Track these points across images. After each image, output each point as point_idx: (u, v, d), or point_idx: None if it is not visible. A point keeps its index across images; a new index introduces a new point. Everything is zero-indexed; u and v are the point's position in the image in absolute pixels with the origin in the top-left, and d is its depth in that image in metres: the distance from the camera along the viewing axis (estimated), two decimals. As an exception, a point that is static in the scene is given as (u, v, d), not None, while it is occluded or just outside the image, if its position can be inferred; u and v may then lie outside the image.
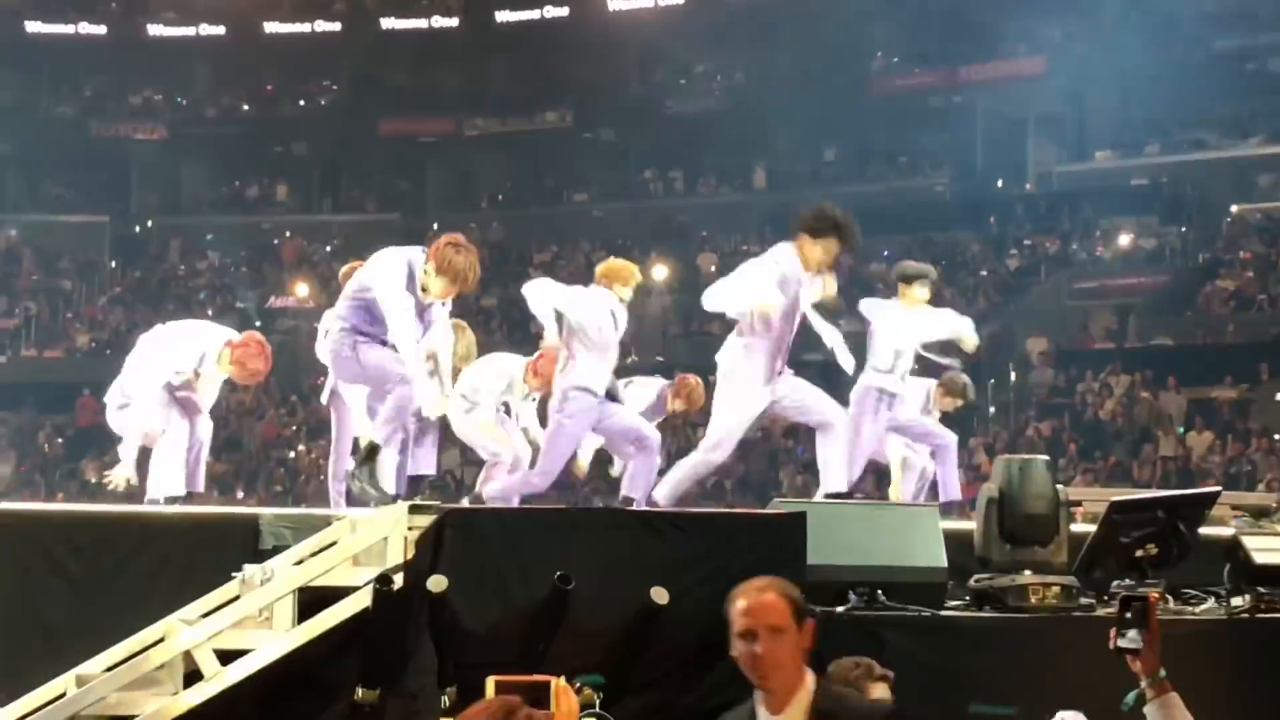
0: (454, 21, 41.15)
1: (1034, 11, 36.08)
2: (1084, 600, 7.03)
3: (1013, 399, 31.47)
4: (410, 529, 6.38)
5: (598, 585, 6.26)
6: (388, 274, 8.27)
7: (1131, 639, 4.32)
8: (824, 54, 37.69)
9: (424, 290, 8.24)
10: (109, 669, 6.48)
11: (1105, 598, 7.01)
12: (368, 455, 8.28)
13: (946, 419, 12.18)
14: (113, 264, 40.04)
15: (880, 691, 5.50)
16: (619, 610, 6.28)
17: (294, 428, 31.19)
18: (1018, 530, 7.24)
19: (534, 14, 40.86)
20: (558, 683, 4.09)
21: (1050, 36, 37.09)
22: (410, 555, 6.35)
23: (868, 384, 10.69)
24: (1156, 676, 4.32)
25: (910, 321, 11.05)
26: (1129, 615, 4.34)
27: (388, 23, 41.70)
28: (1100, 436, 27.61)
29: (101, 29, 41.13)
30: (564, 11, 40.36)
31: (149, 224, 41.35)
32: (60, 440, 33.60)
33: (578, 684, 5.42)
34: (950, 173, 38.20)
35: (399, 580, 6.30)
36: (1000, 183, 38.22)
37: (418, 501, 6.67)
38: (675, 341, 32.37)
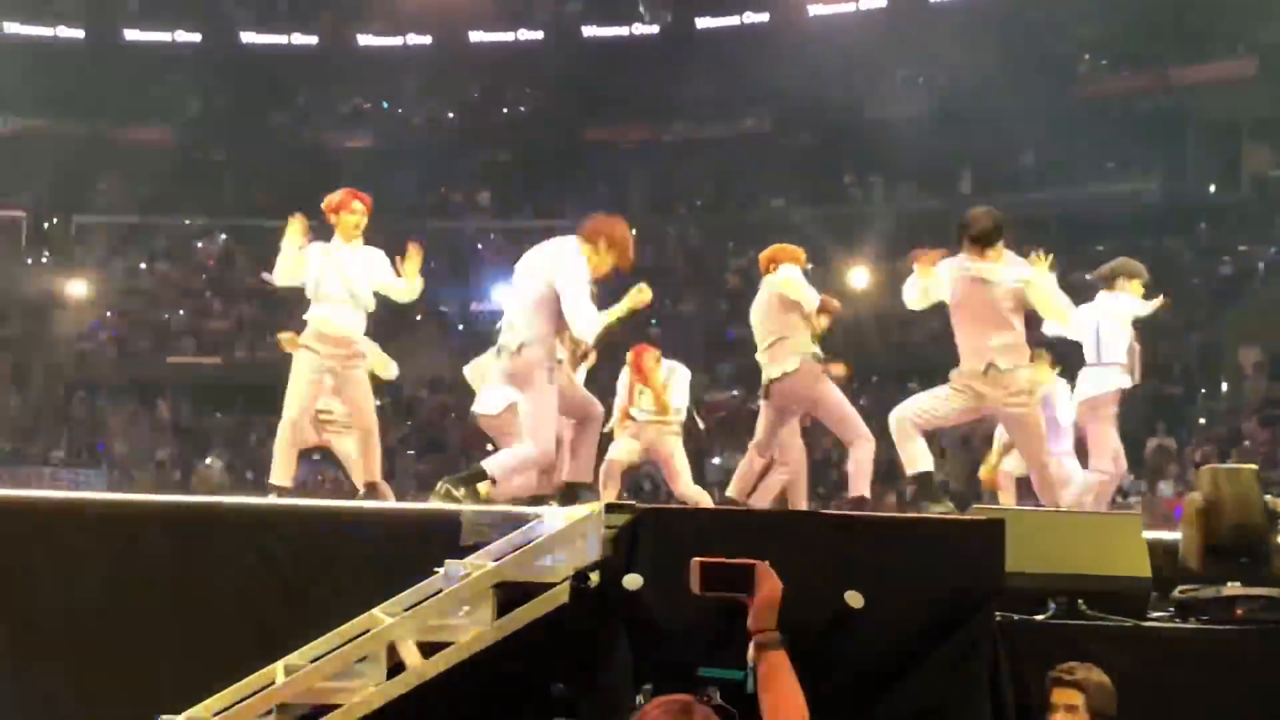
0: (655, 29, 41.45)
1: (1246, 12, 35.09)
2: (1292, 613, 6.82)
3: (1224, 409, 30.67)
4: (607, 528, 6.44)
5: (791, 587, 6.21)
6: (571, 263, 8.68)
7: None
8: (1030, 57, 37.07)
9: (594, 274, 8.71)
10: (315, 659, 6.66)
11: (1315, 611, 6.80)
12: (472, 477, 8.68)
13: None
14: (322, 268, 41.06)
15: None
16: (813, 613, 6.24)
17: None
18: (1225, 540, 7.06)
19: (734, 20, 40.97)
20: (762, 566, 4.18)
21: (1264, 38, 36.02)
22: (606, 553, 6.41)
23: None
24: None
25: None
26: None
27: (589, 30, 42.16)
28: (1316, 449, 26.78)
29: (313, 39, 42.32)
30: (764, 17, 40.40)
31: (358, 229, 42.31)
32: (270, 439, 34.57)
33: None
34: (1160, 177, 37.27)
35: (595, 578, 6.37)
36: (1212, 188, 37.20)
37: (615, 500, 6.73)
38: (874, 349, 32.10)
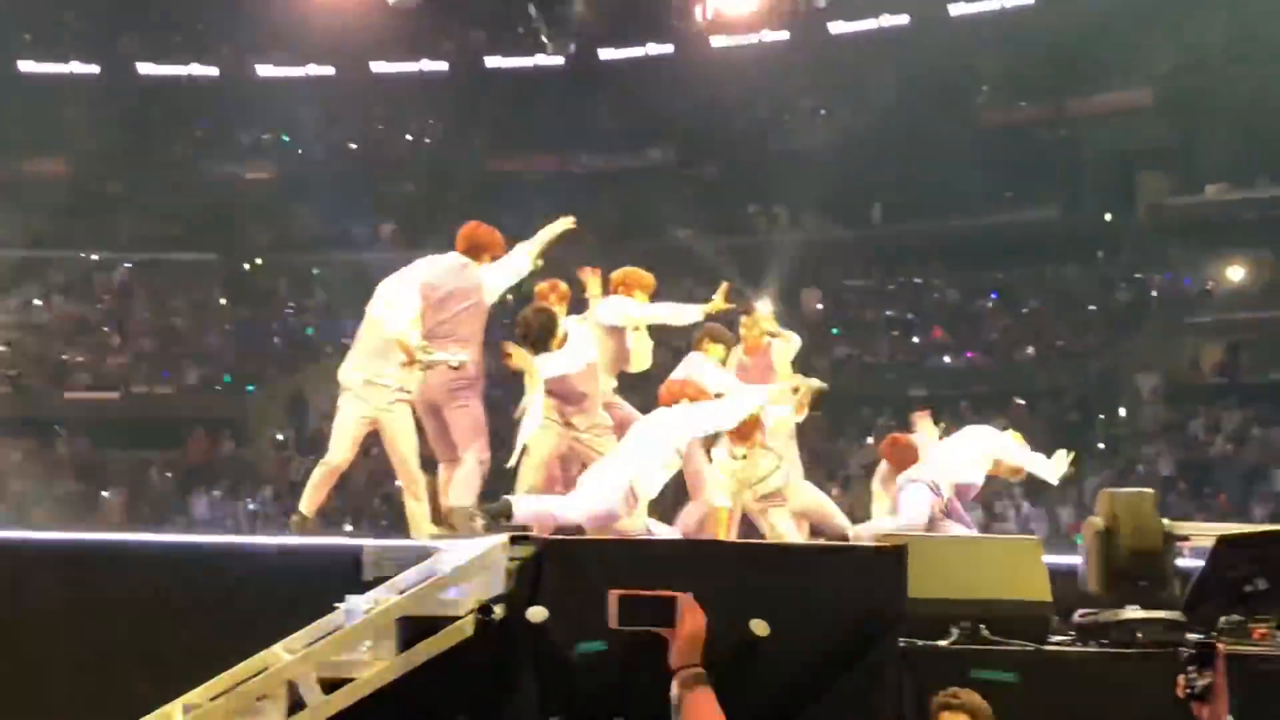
0: (559, 60, 41.43)
1: (1141, 44, 35.71)
2: (1191, 636, 6.88)
3: (1123, 435, 31.06)
4: (511, 560, 6.39)
5: (697, 617, 6.22)
6: None
7: (1198, 687, 4.26)
8: (930, 88, 37.46)
9: None
10: (214, 697, 6.55)
11: (1212, 634, 6.87)
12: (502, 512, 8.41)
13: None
14: (222, 301, 40.66)
15: None
16: (719, 642, 6.22)
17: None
18: (1124, 564, 7.14)
19: (638, 51, 41.06)
20: (685, 598, 3.99)
21: (1158, 69, 36.66)
22: (510, 586, 6.35)
23: None
24: None
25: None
26: (1197, 663, 4.28)
27: (493, 61, 42.07)
28: (1212, 473, 27.18)
29: (213, 70, 41.88)
30: (668, 49, 40.50)
31: (258, 261, 41.95)
32: (170, 475, 34.12)
33: None
34: (1058, 206, 37.73)
35: (500, 610, 6.31)
36: (1109, 216, 37.72)
37: (518, 533, 6.68)
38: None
